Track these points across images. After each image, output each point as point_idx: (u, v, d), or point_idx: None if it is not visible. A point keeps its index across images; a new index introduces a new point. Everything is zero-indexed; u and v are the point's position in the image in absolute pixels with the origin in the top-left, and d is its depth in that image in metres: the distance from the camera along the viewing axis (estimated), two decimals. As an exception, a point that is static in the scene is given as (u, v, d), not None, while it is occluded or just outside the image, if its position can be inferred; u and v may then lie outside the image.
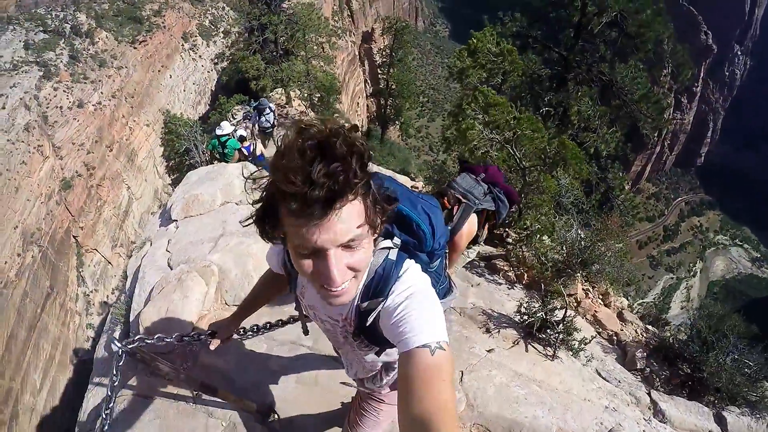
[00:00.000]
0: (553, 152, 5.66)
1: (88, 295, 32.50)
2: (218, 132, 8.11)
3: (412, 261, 1.26)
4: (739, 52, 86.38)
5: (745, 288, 74.39)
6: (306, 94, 17.56)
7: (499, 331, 3.94)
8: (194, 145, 11.66)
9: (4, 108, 29.61)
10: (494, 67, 7.38)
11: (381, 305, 1.17)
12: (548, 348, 3.90)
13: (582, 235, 5.64)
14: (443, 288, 1.60)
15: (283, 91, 17.22)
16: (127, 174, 35.82)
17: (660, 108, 15.10)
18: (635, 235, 79.41)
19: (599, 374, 4.53)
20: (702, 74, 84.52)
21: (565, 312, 3.98)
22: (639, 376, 5.40)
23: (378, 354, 1.47)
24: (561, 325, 3.89)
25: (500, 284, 5.54)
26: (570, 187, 5.99)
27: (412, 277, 1.19)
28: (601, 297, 6.50)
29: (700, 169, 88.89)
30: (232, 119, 16.28)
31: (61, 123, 32.16)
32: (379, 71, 24.11)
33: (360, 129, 1.43)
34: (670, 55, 16.28)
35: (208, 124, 14.26)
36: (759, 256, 79.43)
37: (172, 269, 4.28)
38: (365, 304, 1.20)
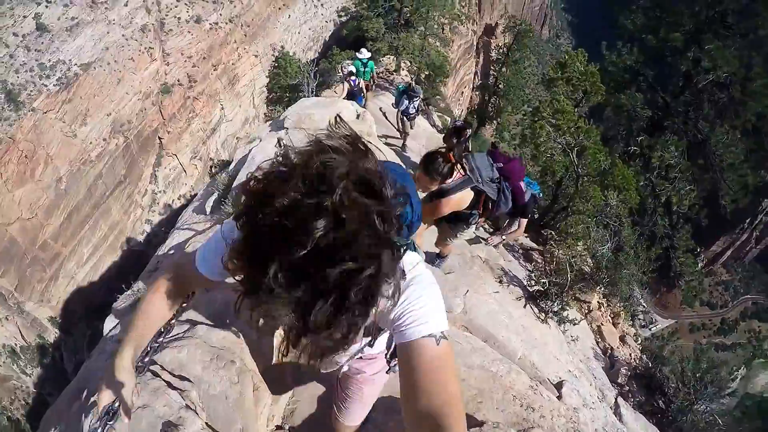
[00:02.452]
0: (609, 172, 6.25)
1: (156, 194, 34.60)
2: (359, 56, 10.21)
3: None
4: None
5: (779, 415, 69.18)
6: (415, 68, 18.02)
7: (508, 285, 4.72)
8: (306, 83, 12.92)
9: (126, 5, 31.34)
10: (578, 85, 7.96)
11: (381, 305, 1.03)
12: (542, 314, 4.64)
13: (609, 254, 6.23)
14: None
15: (395, 59, 17.90)
16: (225, 96, 37.28)
17: (744, 183, 14.83)
18: (690, 316, 75.29)
19: (581, 360, 5.22)
20: (818, 178, 77.57)
21: (563, 292, 4.68)
22: (616, 388, 6.02)
23: (371, 345, 1.41)
24: (558, 300, 4.61)
25: (529, 272, 6.26)
26: (615, 208, 6.56)
27: (409, 261, 1.11)
28: (611, 316, 7.07)
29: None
30: (340, 71, 17.48)
31: (175, 32, 33.92)
32: (492, 67, 23.95)
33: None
34: (766, 134, 15.77)
35: (318, 68, 15.41)
36: (804, 386, 73.48)
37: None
38: None
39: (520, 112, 16.61)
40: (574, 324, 4.81)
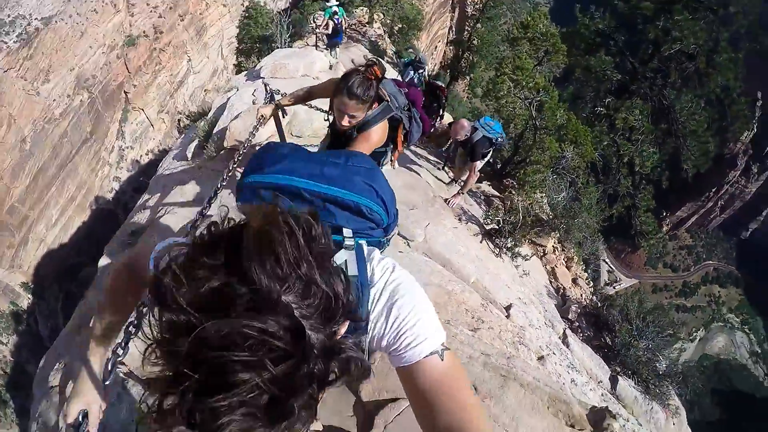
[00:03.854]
0: (564, 126, 6.75)
1: (123, 150, 33.44)
2: (328, 4, 10.68)
3: (372, 248, 1.12)
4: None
5: (733, 376, 73.70)
6: (388, 21, 17.95)
7: (467, 223, 5.17)
8: (279, 34, 12.94)
9: None
10: (540, 45, 8.40)
11: (366, 340, 0.99)
12: (497, 248, 5.13)
13: (565, 202, 6.75)
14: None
15: (368, 11, 17.73)
16: (192, 47, 35.46)
17: (705, 149, 15.57)
18: (653, 277, 78.73)
19: (533, 294, 5.77)
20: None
21: (516, 229, 5.17)
22: (566, 323, 6.62)
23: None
24: (510, 238, 5.10)
25: (486, 211, 6.75)
26: (571, 160, 7.09)
27: (385, 271, 1.04)
28: (565, 260, 7.65)
29: (741, 243, 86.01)
30: (313, 22, 17.30)
31: None
32: (467, 23, 23.58)
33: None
34: (729, 103, 16.51)
35: (291, 19, 15.30)
36: (759, 351, 77.94)
37: (255, 105, 5.69)
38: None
39: (493, 69, 16.88)
40: (526, 259, 5.31)
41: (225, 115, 5.77)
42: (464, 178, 5.70)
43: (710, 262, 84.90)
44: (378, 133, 2.66)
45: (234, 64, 31.13)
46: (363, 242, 1.11)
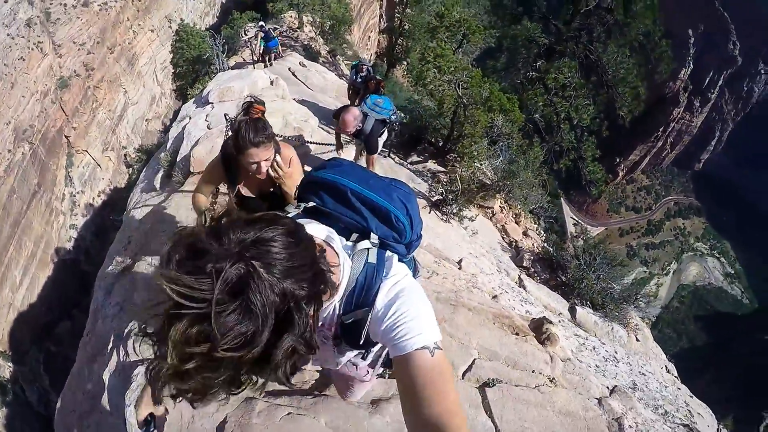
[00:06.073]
0: (489, 98, 7.55)
1: (75, 196, 32.56)
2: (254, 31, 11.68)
3: (392, 255, 1.23)
4: (762, 71, 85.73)
5: (712, 299, 76.83)
6: (318, 21, 18.25)
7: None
8: (216, 56, 13.16)
9: (6, 2, 28.50)
10: (456, 31, 9.22)
11: (369, 315, 1.10)
12: (444, 216, 5.83)
13: (504, 165, 7.53)
14: (411, 270, 1.46)
15: (297, 15, 18.08)
16: (126, 78, 34.50)
17: (636, 93, 16.66)
18: (618, 222, 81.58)
19: (483, 249, 6.49)
20: (721, 82, 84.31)
21: (458, 196, 5.87)
22: (522, 270, 7.37)
23: (363, 357, 1.45)
24: (455, 204, 5.81)
25: (430, 185, 7.38)
26: (502, 127, 7.90)
27: (397, 274, 1.15)
28: (514, 216, 8.45)
29: (696, 175, 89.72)
30: (243, 35, 17.40)
31: (63, 21, 31.17)
32: (396, 9, 23.94)
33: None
34: (652, 47, 17.69)
35: (222, 36, 15.52)
36: (732, 272, 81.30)
37: (211, 130, 6.19)
38: (348, 317, 1.13)
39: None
40: (471, 221, 6.03)
41: (185, 143, 6.18)
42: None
43: (670, 197, 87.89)
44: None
45: (172, 89, 30.28)
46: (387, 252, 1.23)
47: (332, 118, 4.18)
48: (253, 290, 0.72)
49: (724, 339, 67.36)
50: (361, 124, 4.88)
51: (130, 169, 33.80)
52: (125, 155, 34.66)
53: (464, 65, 7.68)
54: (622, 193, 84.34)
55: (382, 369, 1.63)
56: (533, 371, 3.11)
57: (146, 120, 35.68)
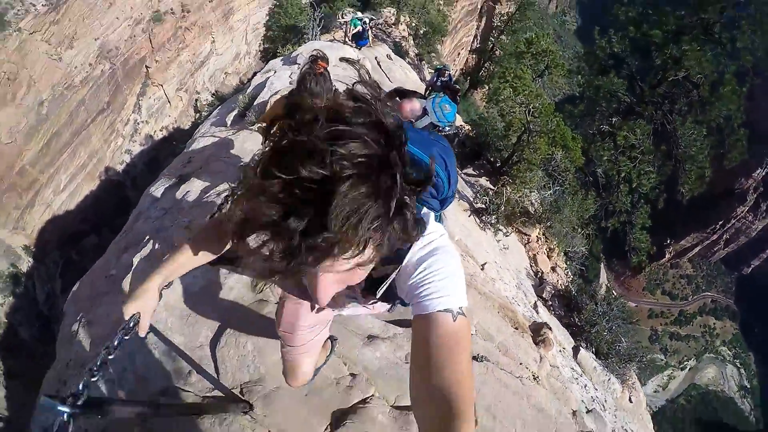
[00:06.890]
0: (554, 131, 7.81)
1: (138, 124, 33.27)
2: (356, 16, 11.96)
3: (429, 212, 1.16)
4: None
5: (719, 408, 73.90)
6: (414, 24, 18.65)
7: (459, 201, 6.21)
8: (311, 27, 13.94)
9: None
10: (540, 60, 9.48)
11: (396, 271, 1.07)
12: (482, 224, 6.16)
13: (551, 198, 7.77)
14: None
15: (396, 12, 18.54)
16: (217, 29, 34.79)
17: (701, 174, 16.41)
18: (650, 303, 78.97)
19: (508, 268, 6.76)
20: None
21: (500, 210, 6.18)
22: (540, 301, 7.58)
23: (390, 310, 1.44)
24: (495, 215, 6.12)
25: (475, 193, 7.70)
26: (560, 162, 8.13)
27: (433, 232, 1.09)
28: (547, 250, 8.65)
29: (742, 278, 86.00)
30: (341, 17, 18.03)
31: None
32: (492, 33, 24.22)
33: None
34: (728, 132, 17.36)
35: (322, 13, 16.18)
36: (748, 386, 77.62)
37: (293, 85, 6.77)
38: (380, 271, 1.07)
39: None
40: (506, 236, 6.33)
41: (265, 91, 6.82)
42: None
43: (709, 293, 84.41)
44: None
45: (258, 50, 31.33)
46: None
47: (394, 91, 3.89)
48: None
49: (720, 451, 64.39)
50: (414, 120, 4.45)
51: (198, 114, 34.91)
52: (196, 100, 35.77)
53: (539, 92, 7.97)
54: (663, 276, 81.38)
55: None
56: (521, 363, 3.39)
57: (225, 73, 36.58)
